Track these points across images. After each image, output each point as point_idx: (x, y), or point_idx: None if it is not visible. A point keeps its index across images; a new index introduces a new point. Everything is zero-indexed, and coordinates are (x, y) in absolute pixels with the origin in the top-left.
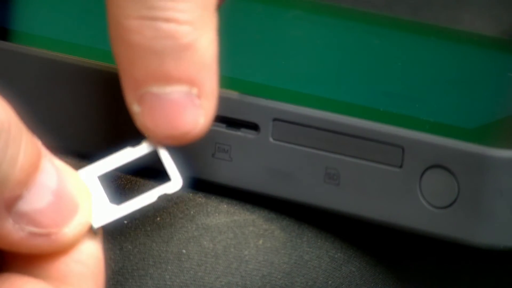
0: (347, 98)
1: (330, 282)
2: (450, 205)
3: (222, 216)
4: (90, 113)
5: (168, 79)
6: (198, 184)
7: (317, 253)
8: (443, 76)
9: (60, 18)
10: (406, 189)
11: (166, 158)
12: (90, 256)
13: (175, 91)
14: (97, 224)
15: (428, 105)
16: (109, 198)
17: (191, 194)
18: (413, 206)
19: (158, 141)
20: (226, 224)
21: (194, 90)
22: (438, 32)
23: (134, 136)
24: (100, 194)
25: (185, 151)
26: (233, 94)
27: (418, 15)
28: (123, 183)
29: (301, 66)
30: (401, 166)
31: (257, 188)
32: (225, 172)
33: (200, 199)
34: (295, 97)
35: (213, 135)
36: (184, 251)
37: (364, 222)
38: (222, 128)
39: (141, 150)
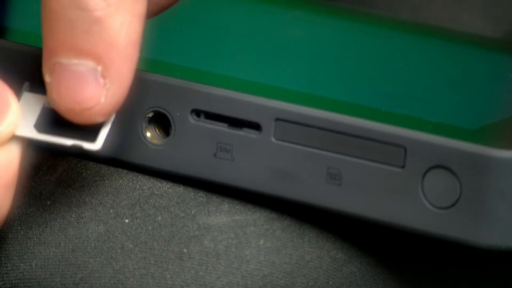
0: (349, 98)
1: (331, 282)
2: (452, 205)
3: (223, 216)
4: None
5: (76, 51)
6: (199, 183)
7: (318, 253)
8: (445, 77)
9: None
10: (408, 190)
11: (108, 123)
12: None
13: (81, 64)
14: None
15: (430, 105)
16: (37, 126)
17: (192, 194)
18: (415, 206)
19: (62, 114)
20: (227, 224)
21: (99, 68)
22: (440, 33)
23: (133, 132)
24: (31, 117)
25: (187, 151)
26: (236, 94)
27: (420, 15)
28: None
29: (304, 66)
30: (403, 167)
31: (258, 188)
32: (227, 171)
33: (201, 198)
34: (297, 97)
35: (215, 134)
36: (185, 250)
37: (365, 223)
38: (224, 128)
39: None
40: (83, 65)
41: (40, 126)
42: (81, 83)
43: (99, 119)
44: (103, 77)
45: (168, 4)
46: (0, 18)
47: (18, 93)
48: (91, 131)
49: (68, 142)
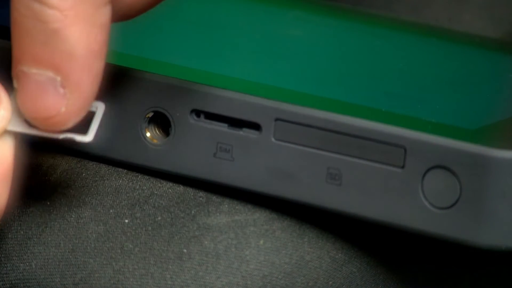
0: (349, 98)
1: (331, 282)
2: (452, 205)
3: (223, 216)
4: None
5: (35, 61)
6: (199, 183)
7: (318, 254)
8: (445, 77)
9: None
10: (408, 190)
11: (99, 115)
12: None
13: (40, 74)
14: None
15: (430, 105)
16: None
17: (192, 194)
18: (415, 206)
19: (30, 121)
20: (227, 224)
21: (59, 78)
22: (440, 33)
23: (133, 132)
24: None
25: (187, 151)
26: (235, 94)
27: (420, 15)
28: None
29: (303, 66)
30: (403, 167)
31: (258, 188)
32: (227, 172)
33: (201, 198)
34: (297, 97)
35: (215, 134)
36: (185, 250)
37: (365, 223)
38: (224, 128)
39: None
40: (43, 75)
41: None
42: (41, 92)
43: (62, 128)
44: (63, 87)
45: (144, 8)
46: (0, 18)
47: (9, 90)
48: (82, 124)
49: (59, 135)
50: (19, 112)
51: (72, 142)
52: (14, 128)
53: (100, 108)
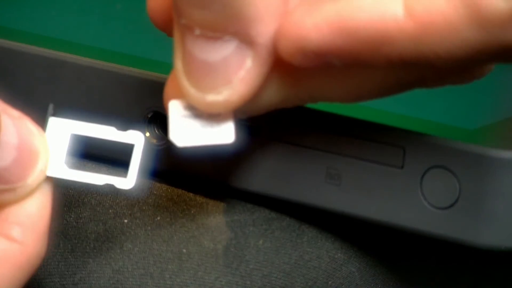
0: None
1: (330, 282)
2: (451, 205)
3: (223, 216)
4: (90, 111)
5: None
6: (199, 183)
7: (317, 253)
8: None
9: (57, 16)
10: (407, 190)
11: (137, 156)
12: (34, 206)
13: None
14: (48, 173)
15: (430, 105)
16: (67, 157)
17: (191, 194)
18: (414, 206)
19: None
20: (226, 224)
21: None
22: None
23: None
24: (61, 149)
25: (186, 151)
26: None
27: None
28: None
29: None
30: (402, 167)
31: (258, 189)
32: (226, 172)
33: (200, 198)
34: None
35: None
36: (184, 250)
37: (364, 223)
38: None
39: (122, 136)
40: None
41: (70, 161)
42: None
43: None
44: None
45: None
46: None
47: (43, 119)
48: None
49: (100, 181)
50: (56, 149)
51: (113, 188)
52: (53, 173)
53: (138, 142)
